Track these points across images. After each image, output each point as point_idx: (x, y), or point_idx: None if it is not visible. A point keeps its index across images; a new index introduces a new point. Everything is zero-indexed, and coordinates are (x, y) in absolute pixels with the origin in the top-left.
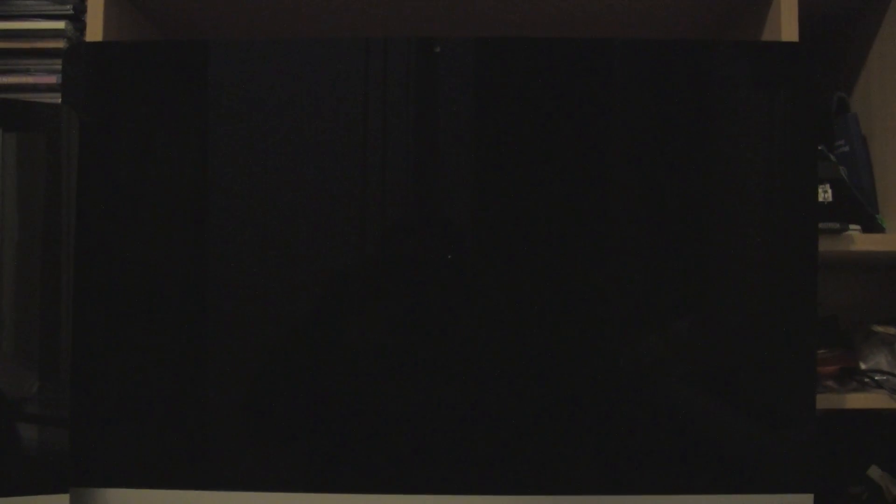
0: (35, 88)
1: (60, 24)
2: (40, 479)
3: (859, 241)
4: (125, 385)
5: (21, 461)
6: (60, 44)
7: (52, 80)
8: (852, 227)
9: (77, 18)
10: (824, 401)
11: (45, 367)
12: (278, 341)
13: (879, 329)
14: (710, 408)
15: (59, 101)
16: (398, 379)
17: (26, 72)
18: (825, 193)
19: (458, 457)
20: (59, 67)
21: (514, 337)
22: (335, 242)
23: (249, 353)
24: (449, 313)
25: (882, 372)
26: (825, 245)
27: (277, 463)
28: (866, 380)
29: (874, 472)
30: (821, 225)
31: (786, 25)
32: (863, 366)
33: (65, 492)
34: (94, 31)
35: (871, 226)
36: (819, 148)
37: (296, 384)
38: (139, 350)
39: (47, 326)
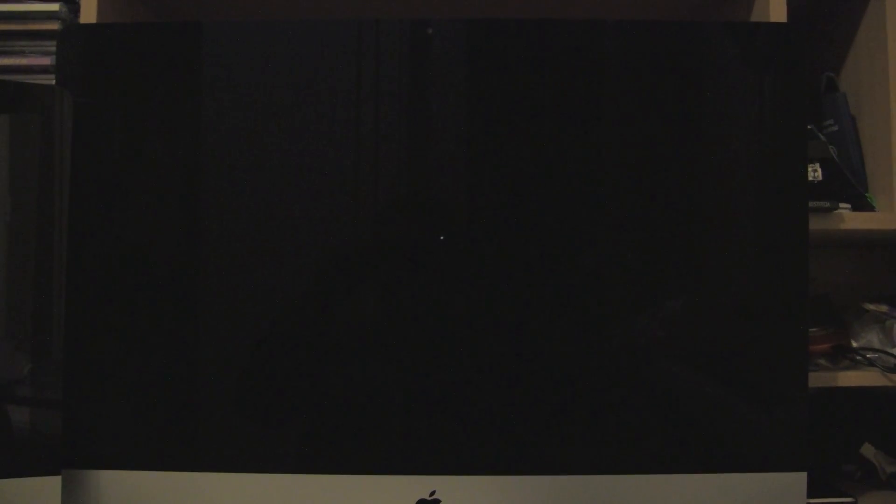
0: (29, 70)
1: (55, 6)
2: (32, 461)
3: (849, 219)
4: (117, 367)
5: (13, 443)
6: (55, 25)
7: (47, 61)
8: (842, 205)
9: (71, 0)
10: (817, 379)
11: (37, 350)
12: (271, 323)
13: (871, 307)
14: (703, 387)
15: (53, 82)
16: (390, 360)
17: (20, 53)
18: (815, 172)
19: (452, 438)
20: (54, 49)
21: (507, 318)
22: (328, 223)
23: (242, 334)
24: (441, 294)
25: (874, 350)
26: (816, 224)
27: (270, 445)
28: (858, 358)
29: (867, 449)
30: (811, 204)
31: (774, 6)
32: (855, 344)
33: (56, 473)
34: (89, 13)
35: (862, 204)
36: (808, 127)
37: (288, 366)
38: (132, 332)
39: (40, 308)
